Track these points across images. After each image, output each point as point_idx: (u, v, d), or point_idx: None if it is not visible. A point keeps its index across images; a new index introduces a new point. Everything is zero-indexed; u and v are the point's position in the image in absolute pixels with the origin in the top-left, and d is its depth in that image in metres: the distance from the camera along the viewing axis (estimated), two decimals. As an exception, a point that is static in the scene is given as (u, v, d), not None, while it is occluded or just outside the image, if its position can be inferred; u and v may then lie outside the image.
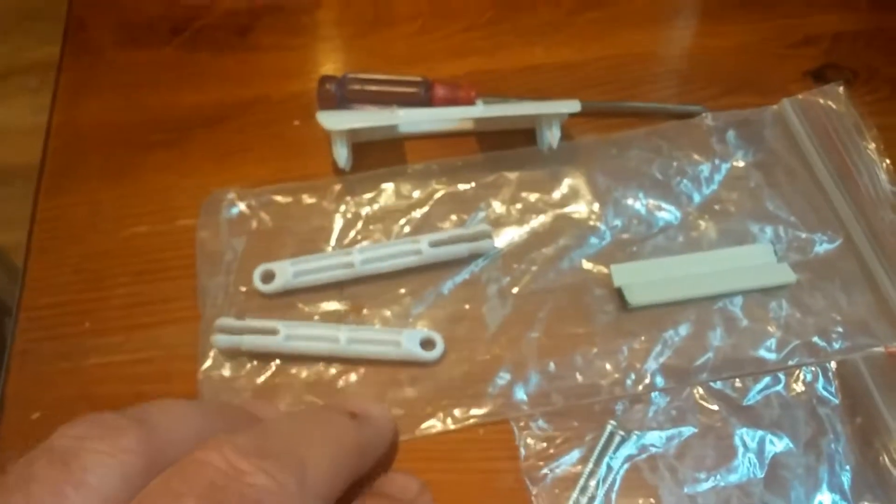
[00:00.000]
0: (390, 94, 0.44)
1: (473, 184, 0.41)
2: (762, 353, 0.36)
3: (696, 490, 0.32)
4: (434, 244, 0.38)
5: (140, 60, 0.48)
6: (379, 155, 0.43)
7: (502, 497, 0.33)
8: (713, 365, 0.35)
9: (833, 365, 0.35)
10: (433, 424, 0.34)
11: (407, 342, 0.36)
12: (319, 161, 0.42)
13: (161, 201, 0.42)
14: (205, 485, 0.17)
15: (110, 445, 0.18)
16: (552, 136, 0.41)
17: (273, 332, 0.36)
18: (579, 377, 0.35)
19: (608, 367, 0.35)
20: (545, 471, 0.33)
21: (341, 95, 0.44)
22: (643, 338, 0.36)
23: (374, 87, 0.44)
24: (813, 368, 0.35)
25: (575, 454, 0.33)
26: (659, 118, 0.44)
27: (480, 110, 0.41)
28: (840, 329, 0.36)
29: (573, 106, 0.40)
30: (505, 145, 0.43)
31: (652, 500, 0.32)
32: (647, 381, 0.35)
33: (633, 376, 0.35)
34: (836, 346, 0.36)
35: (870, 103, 0.43)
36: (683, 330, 0.36)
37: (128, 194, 0.43)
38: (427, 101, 0.44)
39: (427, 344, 0.36)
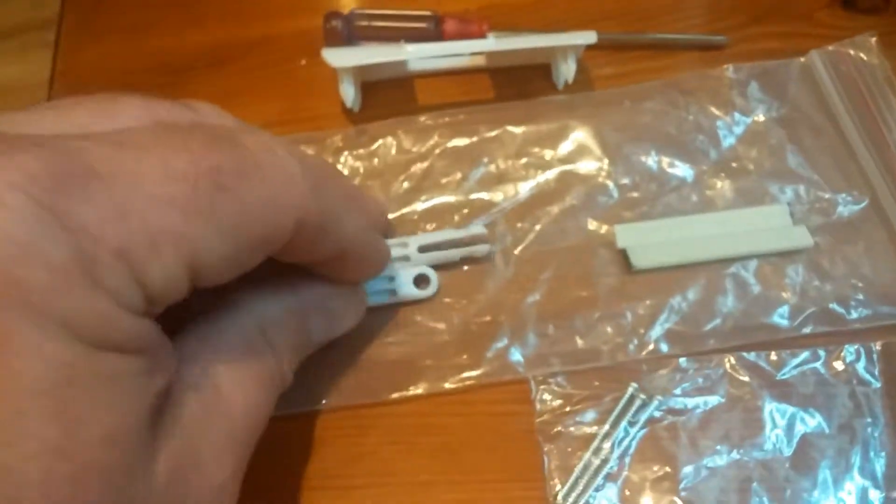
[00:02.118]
0: (399, 29, 0.36)
1: (476, 138, 0.32)
2: (775, 319, 0.28)
3: (717, 462, 0.25)
4: (423, 249, 0.29)
5: (141, 1, 0.40)
6: (389, 94, 0.35)
7: (513, 441, 0.27)
8: (722, 331, 0.28)
9: (877, 346, 0.27)
10: (423, 384, 0.28)
11: (401, 283, 0.29)
12: (328, 101, 0.34)
13: (166, 147, 0.37)
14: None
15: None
16: (567, 70, 0.32)
17: None
18: (579, 341, 0.28)
19: (610, 330, 0.28)
20: (559, 428, 0.26)
21: (348, 32, 0.36)
22: (649, 302, 0.28)
23: (381, 23, 0.35)
24: (856, 347, 0.27)
25: (591, 414, 0.26)
26: (679, 50, 0.35)
27: (492, 44, 0.32)
28: (860, 297, 0.28)
29: (589, 37, 0.31)
30: (520, 82, 0.34)
31: (668, 468, 0.25)
32: (650, 347, 0.27)
33: (635, 342, 0.28)
34: (856, 314, 0.28)
35: None
36: (692, 295, 0.28)
37: (133, 140, 0.37)
38: (437, 36, 0.36)
39: (421, 281, 0.29)
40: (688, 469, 0.26)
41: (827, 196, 0.31)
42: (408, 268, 0.29)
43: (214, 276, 0.18)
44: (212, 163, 0.17)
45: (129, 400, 0.16)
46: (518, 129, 0.33)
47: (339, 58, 0.32)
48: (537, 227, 0.30)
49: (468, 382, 0.28)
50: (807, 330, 0.28)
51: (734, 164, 0.31)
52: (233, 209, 0.17)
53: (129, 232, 0.15)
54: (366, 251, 0.25)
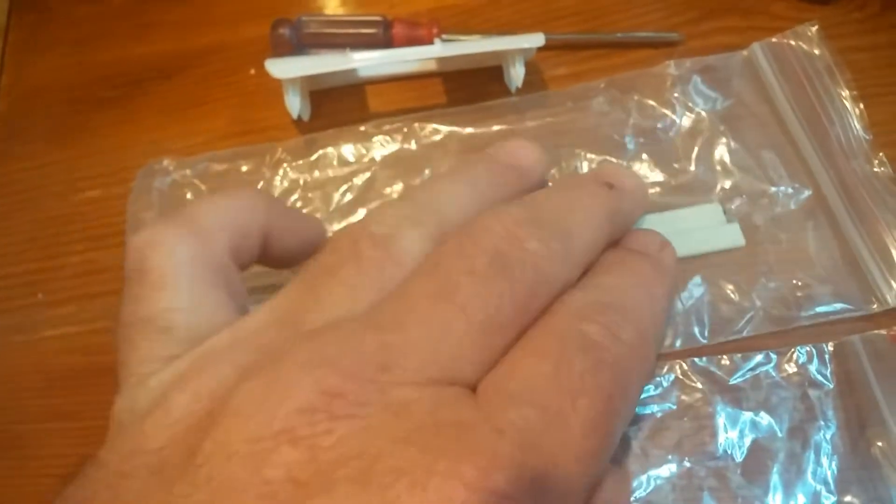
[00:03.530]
0: (348, 35, 0.35)
1: (417, 145, 0.32)
2: (715, 322, 0.27)
3: (667, 472, 0.25)
4: None
5: (87, 14, 0.39)
6: (340, 102, 0.34)
7: None
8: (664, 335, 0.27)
9: (830, 346, 0.27)
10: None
11: None
12: (278, 112, 0.34)
13: (114, 162, 0.34)
14: (491, 248, 0.18)
15: (420, 233, 0.19)
16: (517, 74, 0.32)
17: None
18: None
19: None
20: None
21: (297, 40, 0.35)
22: None
23: (330, 30, 0.35)
24: (808, 348, 0.27)
25: None
26: (633, 48, 0.34)
27: (438, 49, 0.32)
28: (807, 292, 0.28)
29: (536, 40, 0.31)
30: (473, 85, 0.34)
31: None
32: None
33: None
34: (800, 312, 0.27)
35: (860, 21, 0.34)
36: None
37: (79, 156, 0.35)
38: (388, 41, 0.35)
39: None
40: (639, 480, 0.25)
41: (771, 190, 0.30)
42: None
43: None
44: (608, 393, 0.17)
45: None
46: (461, 132, 0.32)
47: (282, 69, 0.32)
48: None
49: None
50: (751, 330, 0.27)
51: (676, 165, 0.31)
52: (617, 430, 0.18)
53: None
54: None
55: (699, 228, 0.29)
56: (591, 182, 0.23)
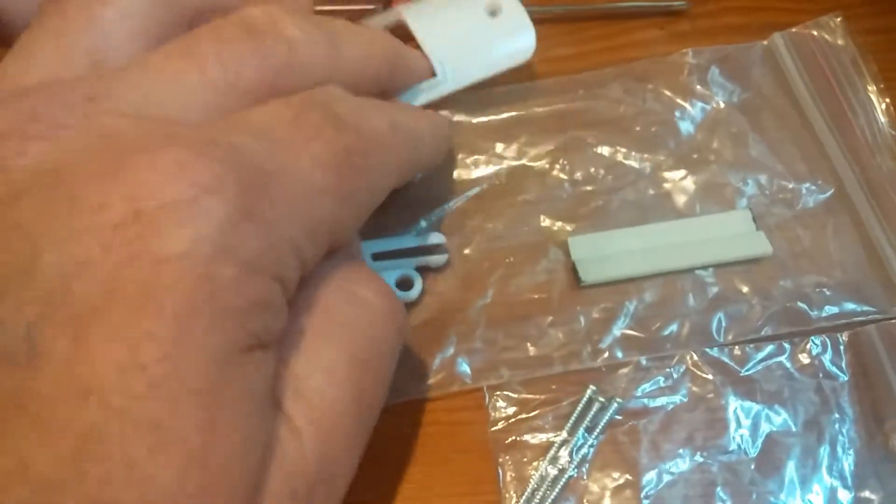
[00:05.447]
0: (345, 12, 0.35)
1: None
2: (736, 321, 0.27)
3: (680, 467, 0.25)
4: (377, 257, 0.28)
5: None
6: None
7: (466, 453, 0.26)
8: (679, 336, 0.27)
9: (844, 337, 0.27)
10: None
11: None
12: None
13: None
14: (244, 25, 0.17)
15: None
16: None
17: None
18: (531, 349, 0.27)
19: (562, 337, 0.27)
20: (514, 437, 0.25)
21: None
22: (603, 305, 0.28)
23: (323, 7, 0.35)
24: (822, 338, 0.27)
25: (548, 420, 0.26)
26: (638, 18, 0.34)
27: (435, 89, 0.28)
28: (826, 292, 0.28)
29: (525, 47, 0.29)
30: None
31: (629, 475, 0.25)
32: (605, 354, 0.27)
33: (589, 348, 0.27)
34: (822, 313, 0.27)
35: (869, 3, 0.34)
36: (649, 297, 0.28)
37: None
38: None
39: (404, 284, 0.28)
40: (650, 475, 0.25)
41: (791, 186, 0.30)
42: (389, 268, 0.28)
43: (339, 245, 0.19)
44: (345, 145, 0.18)
45: (260, 406, 0.16)
46: (469, 120, 0.32)
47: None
48: (488, 226, 0.30)
49: (409, 398, 0.27)
50: (768, 330, 0.28)
51: (694, 155, 0.31)
52: (365, 186, 0.19)
53: (299, 225, 0.16)
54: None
55: (726, 236, 0.29)
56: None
